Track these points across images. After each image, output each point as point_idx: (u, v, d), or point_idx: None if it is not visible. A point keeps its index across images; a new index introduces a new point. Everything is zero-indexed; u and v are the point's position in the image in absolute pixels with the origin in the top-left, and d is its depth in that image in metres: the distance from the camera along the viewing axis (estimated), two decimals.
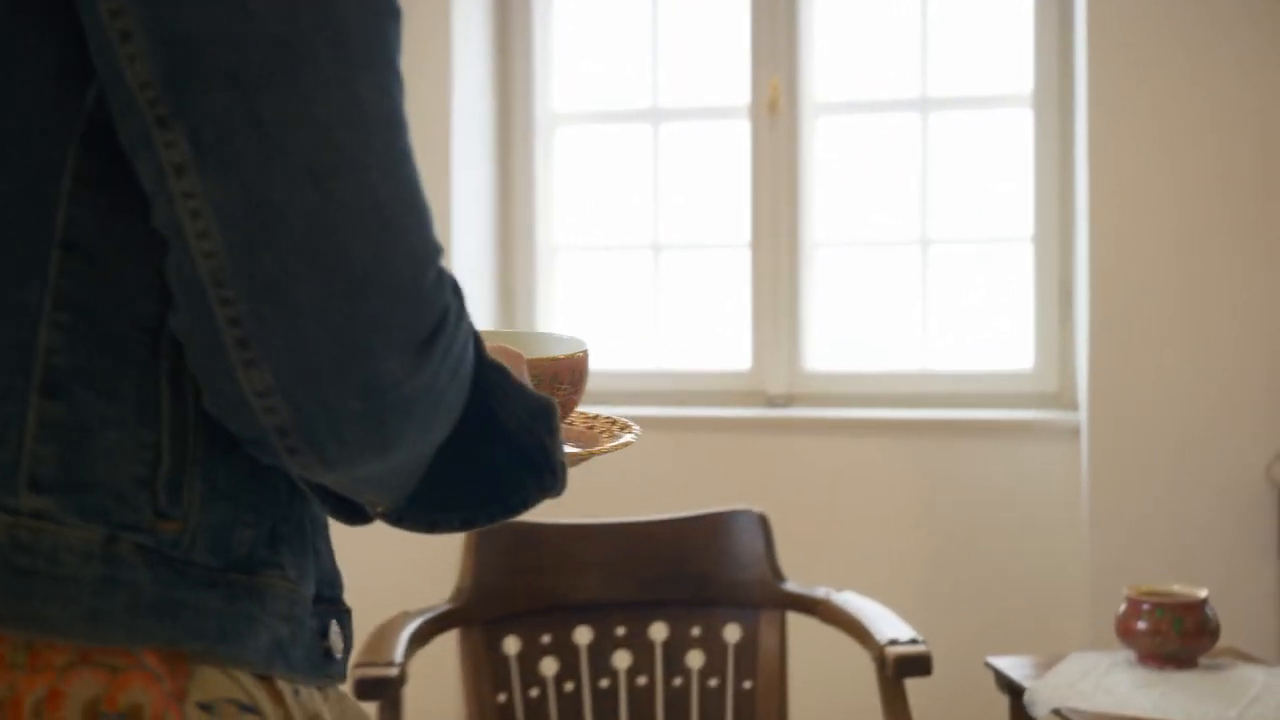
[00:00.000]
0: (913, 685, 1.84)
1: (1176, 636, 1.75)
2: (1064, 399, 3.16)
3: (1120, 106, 2.95)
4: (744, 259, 3.34)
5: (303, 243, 0.56)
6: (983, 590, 3.04)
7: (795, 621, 2.16)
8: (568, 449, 0.78)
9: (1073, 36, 3.12)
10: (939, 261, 3.29)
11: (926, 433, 3.09)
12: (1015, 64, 3.23)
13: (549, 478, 0.71)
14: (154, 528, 0.61)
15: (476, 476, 0.70)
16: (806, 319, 3.31)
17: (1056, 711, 1.60)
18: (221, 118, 0.56)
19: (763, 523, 2.14)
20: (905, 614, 1.97)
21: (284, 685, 0.66)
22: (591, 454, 0.84)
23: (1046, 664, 1.81)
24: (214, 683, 0.62)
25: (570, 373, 0.86)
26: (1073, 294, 3.12)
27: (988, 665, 1.83)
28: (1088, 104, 2.96)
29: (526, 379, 0.74)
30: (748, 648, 2.09)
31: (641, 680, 2.08)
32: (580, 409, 0.92)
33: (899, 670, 1.77)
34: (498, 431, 0.69)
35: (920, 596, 2.96)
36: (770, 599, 2.10)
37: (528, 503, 0.72)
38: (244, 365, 0.57)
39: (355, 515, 0.71)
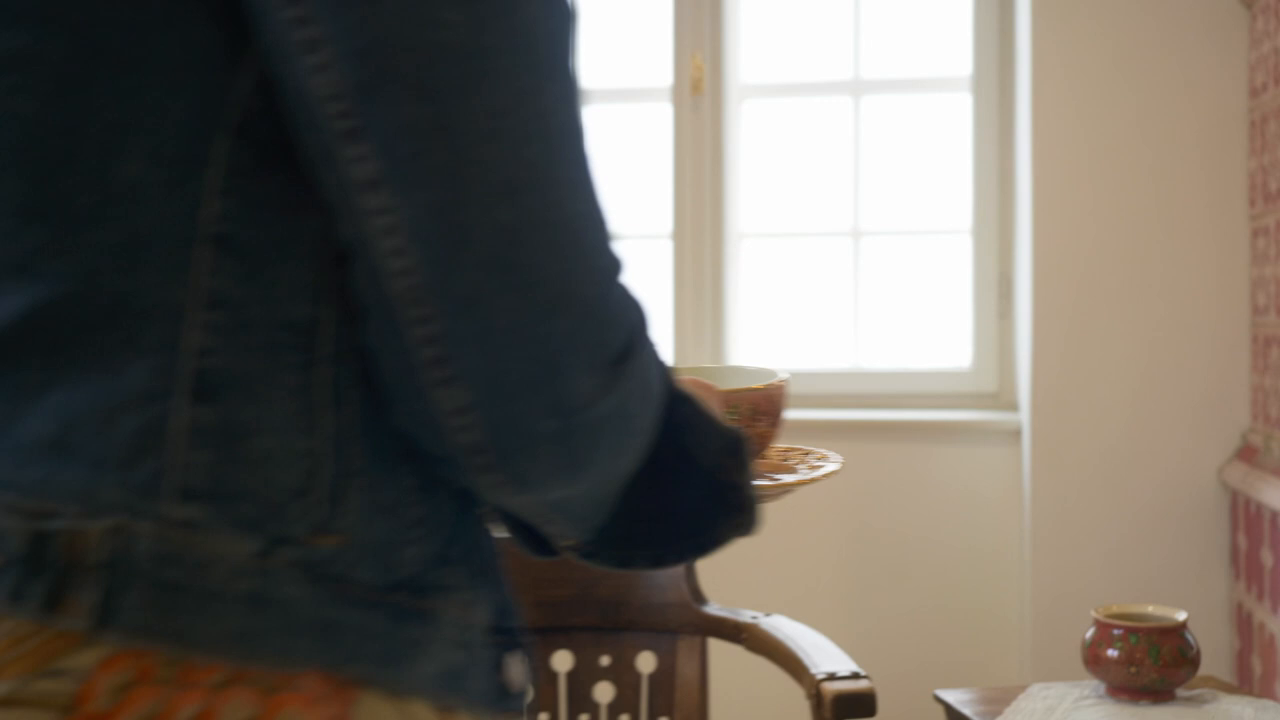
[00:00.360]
0: None
1: (1153, 666, 1.53)
2: (1004, 399, 3.04)
3: (1064, 90, 2.82)
4: (665, 250, 3.14)
5: (498, 259, 0.55)
6: (921, 607, 2.89)
7: (718, 649, 1.93)
8: (766, 482, 0.81)
9: (1014, 16, 3.00)
10: (872, 254, 3.14)
11: (859, 435, 2.93)
12: (953, 45, 3.08)
13: (741, 514, 0.70)
14: (311, 542, 0.58)
15: (669, 513, 0.70)
16: (731, 314, 3.13)
17: None
18: (414, 131, 0.54)
19: None
20: (837, 634, 1.74)
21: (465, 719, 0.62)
22: (789, 487, 0.84)
23: (1002, 697, 1.59)
24: (380, 714, 0.58)
25: (769, 404, 0.86)
26: (1013, 289, 3.00)
27: (936, 700, 1.61)
28: (1030, 88, 2.83)
29: (717, 412, 0.73)
30: (663, 679, 1.86)
31: (543, 717, 1.84)
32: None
33: (838, 710, 1.54)
34: (690, 467, 0.69)
35: (854, 614, 2.78)
36: (689, 623, 1.87)
37: (719, 541, 0.71)
38: (439, 384, 0.57)
39: (542, 549, 0.71)
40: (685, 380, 0.72)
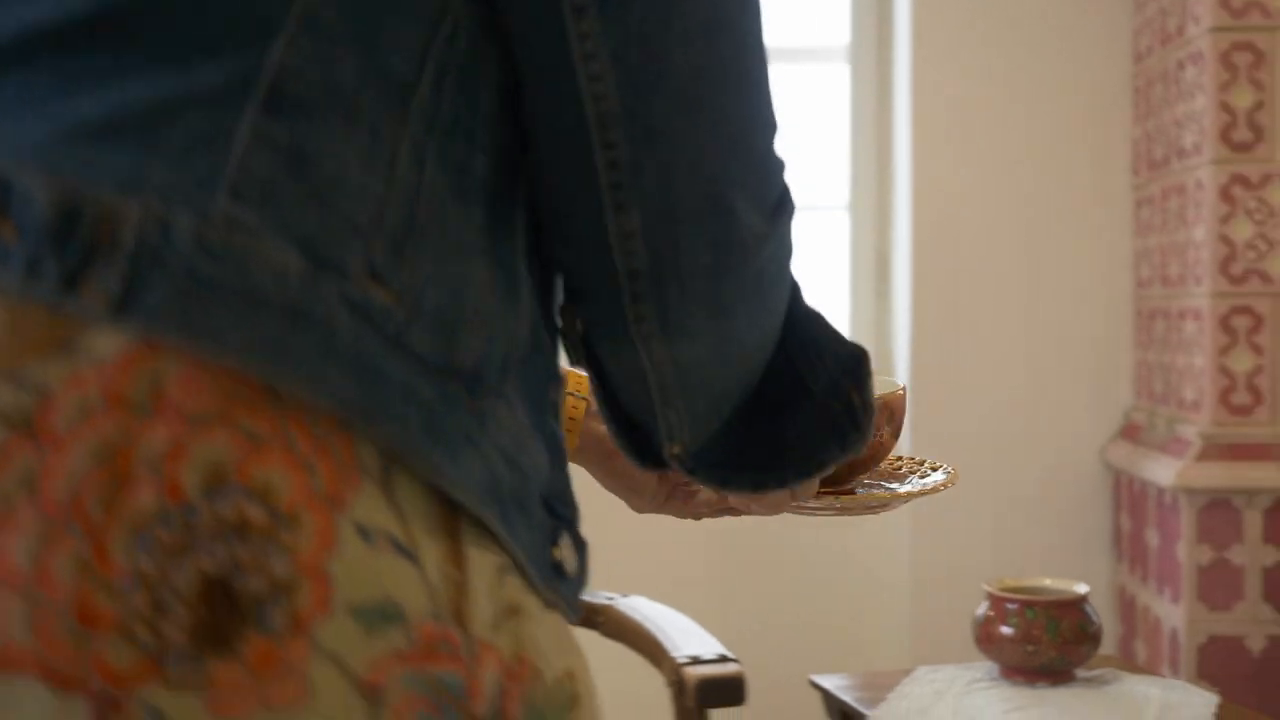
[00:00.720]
0: (719, 714, 1.43)
1: (1052, 643, 1.38)
2: (883, 377, 2.88)
3: (944, 60, 2.71)
4: None
5: (690, 95, 0.57)
6: (796, 588, 2.74)
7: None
8: (880, 492, 0.87)
9: None
10: None
11: None
12: (831, 13, 2.95)
13: (853, 436, 0.70)
14: (365, 287, 0.53)
15: (777, 435, 0.70)
16: None
17: None
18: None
19: None
20: (705, 618, 1.56)
21: (490, 556, 0.54)
22: (902, 497, 0.87)
23: (884, 682, 1.42)
24: (377, 512, 0.50)
25: (890, 413, 0.87)
26: (891, 265, 2.86)
27: (813, 685, 1.43)
28: (910, 58, 2.71)
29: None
30: None
31: None
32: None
33: (703, 697, 1.35)
34: (802, 389, 0.69)
35: (723, 596, 2.62)
36: None
37: (826, 465, 0.71)
38: (615, 208, 0.58)
39: (646, 456, 0.71)
40: None
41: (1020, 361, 2.69)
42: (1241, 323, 2.27)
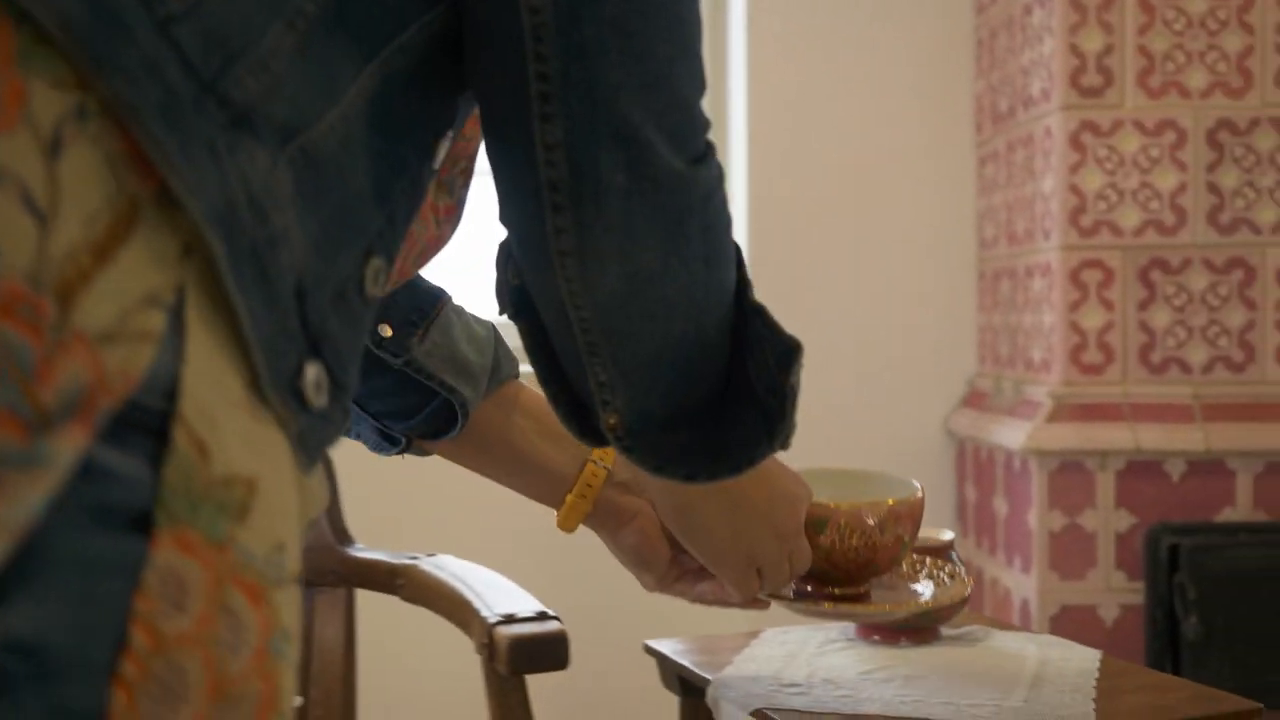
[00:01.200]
0: (540, 683, 1.22)
1: None
2: None
3: (781, 16, 2.56)
4: None
5: (620, 23, 0.60)
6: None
7: (370, 603, 1.51)
8: (889, 605, 0.99)
9: None
10: None
11: None
12: None
13: (780, 427, 0.73)
14: None
15: (720, 437, 0.73)
16: None
17: (759, 715, 1.03)
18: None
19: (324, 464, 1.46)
20: (524, 581, 1.36)
21: (152, 277, 0.46)
22: (912, 609, 0.98)
23: (726, 645, 1.24)
24: (22, 154, 0.44)
25: (908, 519, 0.97)
26: None
27: (647, 650, 1.24)
28: (745, 18, 2.57)
29: (800, 520, 0.91)
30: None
31: None
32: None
33: (517, 659, 1.14)
34: (750, 394, 0.73)
35: (543, 557, 2.41)
36: (331, 571, 1.45)
37: (755, 461, 0.73)
38: (541, 118, 0.61)
39: (586, 427, 0.73)
40: (812, 500, 0.91)
41: (860, 331, 2.56)
42: (1092, 277, 2.17)
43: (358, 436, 0.95)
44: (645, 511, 0.97)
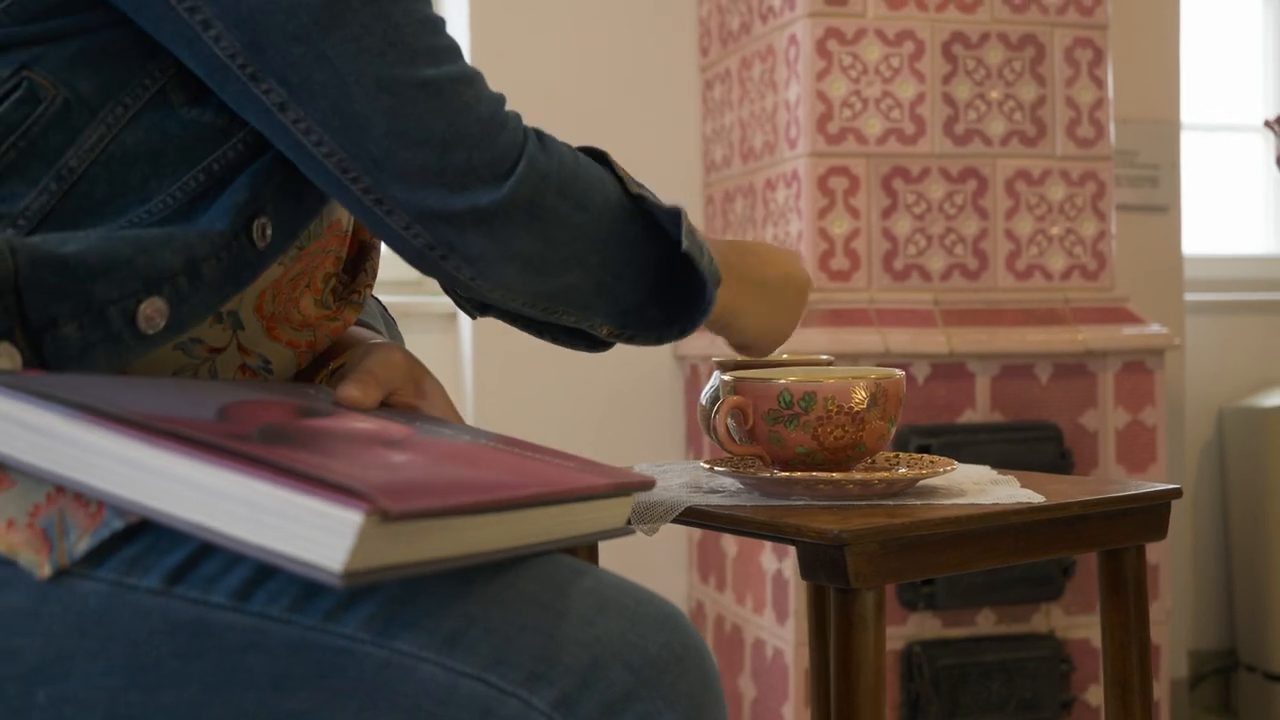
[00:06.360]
0: None
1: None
2: (430, 282, 2.57)
3: None
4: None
5: (393, 130, 0.76)
6: None
7: None
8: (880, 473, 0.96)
9: None
10: None
11: None
12: None
13: (706, 256, 0.89)
14: None
15: (679, 290, 0.90)
16: None
17: None
18: (299, 64, 0.75)
19: None
20: None
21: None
22: (899, 480, 0.95)
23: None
24: None
25: (895, 395, 0.97)
26: None
27: None
28: None
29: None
30: None
31: None
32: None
33: None
34: (676, 253, 0.89)
35: None
36: None
37: (711, 284, 0.89)
38: (376, 204, 0.78)
39: (593, 341, 0.95)
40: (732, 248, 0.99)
41: None
42: (839, 184, 2.17)
43: None
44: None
